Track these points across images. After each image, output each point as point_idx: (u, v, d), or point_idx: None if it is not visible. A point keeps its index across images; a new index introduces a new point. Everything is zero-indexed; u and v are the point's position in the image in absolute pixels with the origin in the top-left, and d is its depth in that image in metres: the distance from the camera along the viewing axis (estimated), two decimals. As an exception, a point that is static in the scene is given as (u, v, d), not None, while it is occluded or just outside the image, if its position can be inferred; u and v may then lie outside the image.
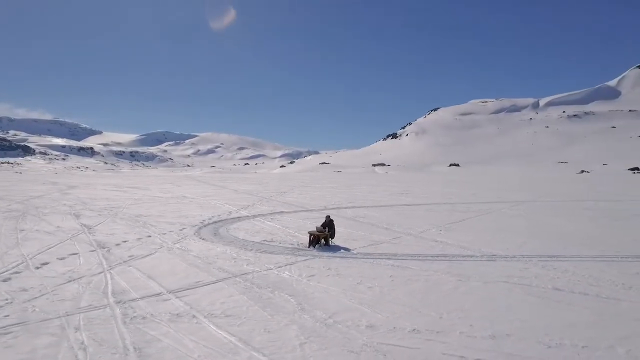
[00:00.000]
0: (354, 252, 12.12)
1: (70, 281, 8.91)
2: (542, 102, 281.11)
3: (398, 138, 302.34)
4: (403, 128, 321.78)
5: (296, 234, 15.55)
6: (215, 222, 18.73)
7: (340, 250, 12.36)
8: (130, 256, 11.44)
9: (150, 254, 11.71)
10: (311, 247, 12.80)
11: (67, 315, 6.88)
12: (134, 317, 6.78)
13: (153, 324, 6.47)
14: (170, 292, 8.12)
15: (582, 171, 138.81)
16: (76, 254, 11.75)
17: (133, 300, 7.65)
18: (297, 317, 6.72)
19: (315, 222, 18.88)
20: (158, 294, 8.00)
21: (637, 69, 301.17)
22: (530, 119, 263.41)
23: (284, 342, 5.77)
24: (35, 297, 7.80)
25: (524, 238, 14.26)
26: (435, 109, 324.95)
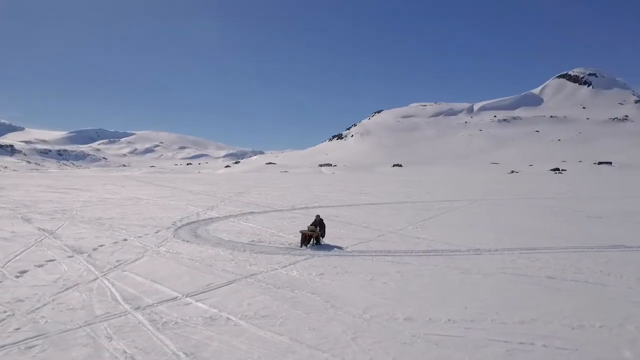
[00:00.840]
0: (348, 250, 12.36)
1: (67, 289, 8.26)
2: (476, 106, 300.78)
3: (343, 139, 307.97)
4: (348, 129, 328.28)
5: (280, 233, 15.49)
6: (188, 223, 18.10)
7: (333, 249, 12.54)
8: (118, 261, 10.79)
9: (139, 258, 11.12)
10: (303, 246, 12.85)
11: (89, 324, 6.41)
12: (165, 322, 6.48)
13: (189, 329, 6.24)
14: (187, 296, 7.83)
15: (512, 171, 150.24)
16: (53, 260, 10.87)
17: (151, 305, 7.29)
18: (333, 314, 6.82)
19: (290, 222, 18.93)
20: (175, 299, 7.68)
21: (557, 79, 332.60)
22: (466, 122, 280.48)
23: (335, 338, 5.86)
24: (38, 308, 7.16)
25: (495, 233, 15.33)
26: (378, 111, 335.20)
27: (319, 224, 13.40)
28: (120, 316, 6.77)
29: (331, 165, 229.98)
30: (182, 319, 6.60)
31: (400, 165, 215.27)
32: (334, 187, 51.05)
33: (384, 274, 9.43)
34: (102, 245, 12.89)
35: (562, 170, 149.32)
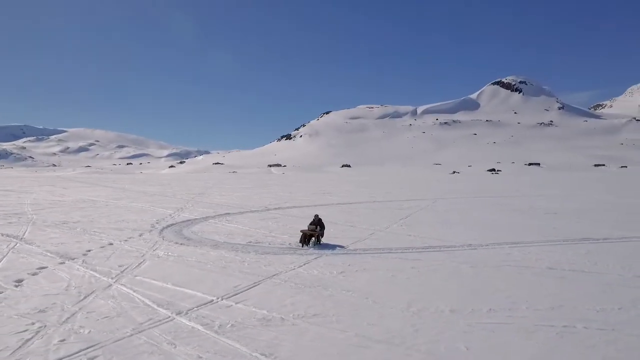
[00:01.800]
0: (351, 249, 12.61)
1: (85, 297, 7.76)
2: (420, 110, 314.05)
3: (292, 139, 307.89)
4: (297, 129, 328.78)
5: (272, 234, 15.40)
6: (167, 225, 17.44)
7: (335, 248, 12.73)
8: (120, 266, 10.23)
9: (141, 263, 10.62)
10: (305, 246, 12.92)
11: (139, 331, 6.12)
12: (220, 325, 6.34)
13: (249, 330, 6.17)
14: (222, 299, 7.67)
15: (454, 172, 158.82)
16: (45, 267, 10.10)
17: (192, 310, 7.07)
18: (381, 310, 7.04)
19: (274, 223, 18.81)
20: (211, 302, 7.49)
21: (492, 85, 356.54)
22: (410, 124, 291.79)
23: (399, 331, 6.09)
24: (68, 317, 6.68)
25: (474, 229, 16.33)
26: (327, 112, 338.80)
27: (317, 223, 13.54)
28: (167, 322, 6.51)
29: (280, 165, 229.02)
30: (235, 321, 6.50)
31: (349, 166, 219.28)
32: (294, 187, 51.07)
33: (400, 270, 9.81)
34: (89, 250, 12.13)
35: (497, 170, 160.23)
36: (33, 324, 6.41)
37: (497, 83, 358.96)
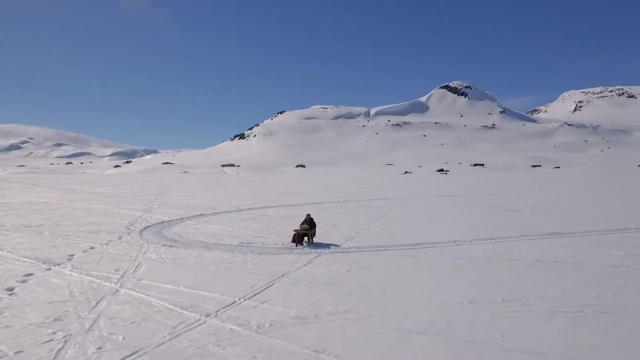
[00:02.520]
0: (345, 247, 12.84)
1: (97, 302, 7.37)
2: (373, 111, 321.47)
3: (246, 139, 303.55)
4: (251, 129, 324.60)
5: (259, 234, 15.28)
6: (144, 228, 16.79)
7: (330, 246, 12.90)
8: (117, 270, 9.79)
9: (138, 266, 10.21)
10: (299, 245, 12.98)
11: (176, 335, 5.95)
12: (259, 325, 6.31)
13: (290, 329, 6.21)
14: (244, 299, 7.61)
15: (406, 172, 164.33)
16: (32, 274, 9.45)
17: (219, 311, 6.97)
18: (405, 305, 7.32)
19: (255, 223, 18.62)
20: (234, 303, 7.41)
21: (440, 89, 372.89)
22: (364, 126, 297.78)
23: (432, 323, 6.40)
24: (91, 325, 6.35)
25: (451, 226, 17.16)
26: (281, 112, 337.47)
27: (309, 222, 13.64)
28: (200, 324, 6.38)
29: (234, 165, 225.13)
30: (271, 321, 6.49)
31: (304, 166, 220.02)
32: (256, 188, 50.55)
33: (403, 266, 10.18)
34: (73, 255, 11.46)
35: (446, 171, 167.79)
36: (55, 333, 6.03)
37: (445, 87, 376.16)
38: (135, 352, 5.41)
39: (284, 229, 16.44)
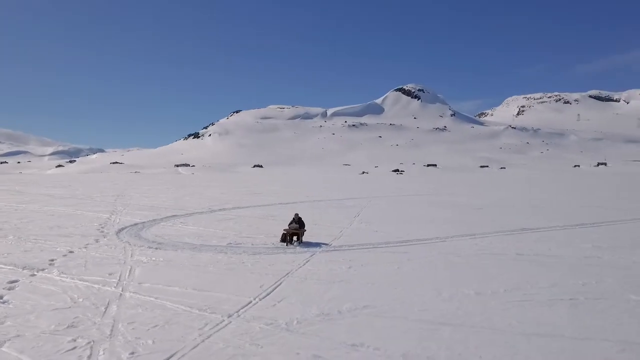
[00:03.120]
0: (336, 245, 13.02)
1: (105, 308, 7.06)
2: (329, 112, 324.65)
3: (200, 138, 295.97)
4: (205, 128, 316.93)
5: (243, 235, 15.10)
6: (119, 230, 16.12)
7: (320, 245, 13.02)
8: (110, 274, 9.38)
9: (132, 269, 9.85)
10: (288, 245, 13.01)
11: (208, 337, 5.84)
12: (287, 323, 6.34)
13: (319, 325, 6.29)
14: (259, 299, 7.58)
15: (363, 172, 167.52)
16: (17, 280, 8.88)
17: (239, 311, 6.91)
18: (418, 297, 7.62)
19: (235, 223, 18.35)
20: (251, 303, 7.36)
21: (395, 92, 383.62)
22: (321, 126, 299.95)
23: (452, 314, 6.74)
24: (112, 331, 6.10)
25: (431, 224, 17.86)
26: (237, 111, 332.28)
27: (298, 222, 13.70)
28: (227, 325, 6.31)
29: (189, 165, 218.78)
30: (297, 318, 6.55)
31: (261, 166, 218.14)
32: (219, 188, 49.58)
33: (399, 262, 10.54)
34: (53, 260, 10.84)
35: (401, 171, 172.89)
36: (75, 340, 5.72)
37: (399, 90, 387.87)
38: (173, 354, 5.27)
39: (268, 229, 16.37)
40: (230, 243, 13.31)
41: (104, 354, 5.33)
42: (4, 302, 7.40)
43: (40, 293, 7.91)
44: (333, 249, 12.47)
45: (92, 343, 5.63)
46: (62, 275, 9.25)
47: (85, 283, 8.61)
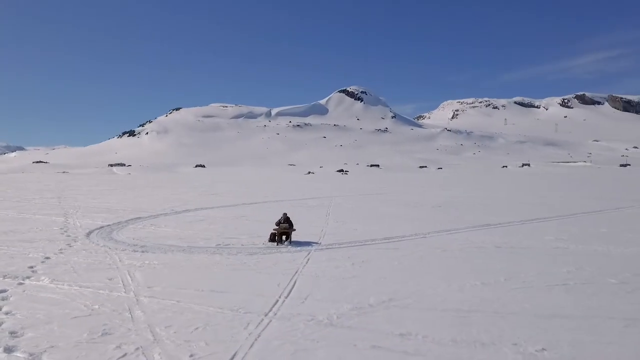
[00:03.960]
0: (325, 244, 13.24)
1: (129, 313, 6.75)
2: (274, 111, 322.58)
3: (136, 136, 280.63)
4: (142, 126, 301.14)
5: (226, 236, 14.84)
6: (87, 233, 15.23)
7: (310, 244, 13.19)
8: (110, 279, 8.95)
9: (131, 273, 9.43)
10: (279, 244, 13.05)
11: (257, 336, 5.85)
12: (328, 317, 6.50)
13: (359, 318, 6.53)
14: (284, 297, 7.65)
15: (309, 172, 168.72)
16: (4, 290, 8.19)
17: (273, 310, 6.95)
18: (434, 290, 8.13)
19: (206, 225, 17.95)
20: (277, 302, 7.42)
21: (338, 93, 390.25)
22: (265, 125, 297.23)
23: (473, 302, 7.29)
24: (155, 338, 5.87)
25: (405, 222, 18.66)
26: (177, 109, 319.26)
27: (287, 221, 13.77)
28: (270, 323, 6.36)
29: (124, 165, 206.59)
30: (335, 313, 6.74)
31: (203, 166, 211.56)
32: (167, 189, 47.63)
33: (396, 258, 11.05)
34: (33, 266, 10.12)
35: (346, 171, 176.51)
36: (119, 347, 5.47)
37: (343, 91, 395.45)
38: (235, 354, 5.25)
39: (247, 230, 16.22)
40: (219, 244, 13.06)
41: (161, 358, 5.17)
42: (8, 314, 6.80)
43: (44, 302, 7.35)
44: (325, 247, 12.71)
45: (141, 348, 5.43)
46: (56, 282, 8.62)
47: (88, 289, 8.11)
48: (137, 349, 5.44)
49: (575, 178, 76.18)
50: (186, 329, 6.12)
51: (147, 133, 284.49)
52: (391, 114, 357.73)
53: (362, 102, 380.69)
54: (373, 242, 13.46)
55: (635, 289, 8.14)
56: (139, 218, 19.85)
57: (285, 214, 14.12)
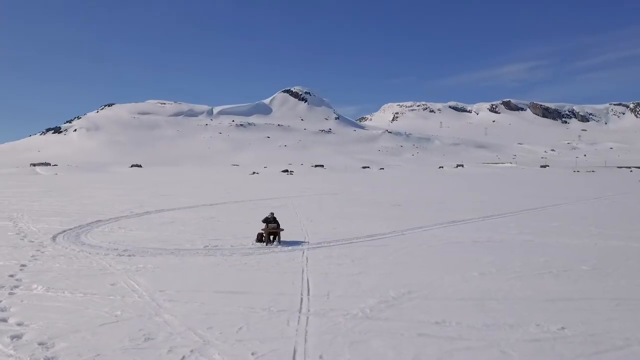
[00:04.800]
0: (313, 243, 13.41)
1: (157, 317, 6.54)
2: (216, 110, 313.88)
3: (63, 133, 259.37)
4: (69, 122, 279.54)
5: (211, 238, 14.51)
6: (52, 237, 14.24)
7: (299, 243, 13.33)
8: (112, 284, 8.50)
9: (134, 278, 9.02)
10: (268, 244, 13.06)
11: (306, 332, 5.97)
12: (362, 310, 6.76)
13: (392, 310, 6.87)
14: (308, 296, 7.79)
15: (254, 172, 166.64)
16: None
17: (305, 307, 7.09)
18: (440, 282, 8.70)
19: (179, 227, 17.42)
20: (307, 299, 7.56)
21: (282, 93, 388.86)
22: (206, 124, 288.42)
23: (481, 290, 7.94)
24: (202, 344, 5.77)
25: (377, 221, 19.33)
26: (109, 105, 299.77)
27: (275, 221, 13.78)
28: (309, 319, 6.51)
29: (49, 164, 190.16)
30: (366, 308, 7.03)
31: (140, 166, 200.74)
32: (108, 190, 44.93)
33: (389, 254, 11.57)
34: (13, 275, 9.36)
35: (291, 171, 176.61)
36: (171, 350, 5.33)
37: (287, 91, 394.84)
38: (296, 349, 5.36)
39: (229, 231, 16.01)
40: (207, 246, 12.78)
41: (223, 358, 5.15)
42: (21, 325, 6.29)
43: (55, 311, 6.87)
44: (316, 246, 12.92)
45: (196, 350, 5.34)
46: (54, 290, 8.04)
47: (95, 296, 7.68)
48: (192, 351, 5.35)
49: (506, 178, 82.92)
50: (229, 329, 6.09)
51: (75, 130, 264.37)
52: (335, 115, 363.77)
53: (306, 103, 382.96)
54: (358, 240, 13.90)
55: (607, 274, 9.33)
56: (100, 221, 18.69)
57: (272, 214, 14.12)
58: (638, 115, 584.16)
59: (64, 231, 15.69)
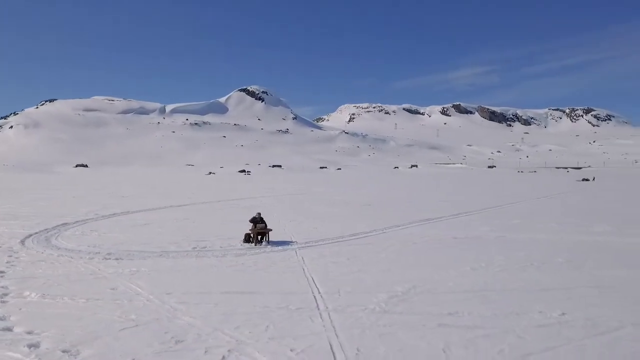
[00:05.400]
0: (300, 242, 13.52)
1: (175, 320, 6.45)
2: (168, 108, 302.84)
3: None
4: (5, 118, 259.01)
5: (196, 239, 14.20)
6: (21, 241, 13.30)
7: (287, 243, 13.41)
8: (113, 289, 8.25)
9: (133, 281, 8.75)
10: (257, 245, 13.03)
11: (333, 327, 6.13)
12: (378, 305, 7.00)
13: (406, 304, 7.18)
14: (321, 293, 7.95)
15: (210, 172, 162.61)
16: (-8, 309, 7.03)
17: (323, 304, 7.25)
18: (439, 276, 9.16)
19: (156, 228, 16.91)
20: (319, 297, 7.70)
21: (239, 92, 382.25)
22: (159, 123, 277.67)
23: (480, 283, 8.47)
24: (234, 346, 5.76)
25: (356, 220, 19.70)
26: (51, 100, 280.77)
27: (260, 220, 13.76)
28: (332, 315, 6.69)
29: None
30: (381, 303, 7.29)
31: (86, 166, 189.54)
32: (59, 191, 42.35)
33: (377, 252, 11.95)
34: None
35: (248, 171, 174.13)
36: (207, 352, 5.30)
37: (243, 90, 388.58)
38: (330, 343, 5.51)
39: (212, 232, 15.79)
40: (195, 248, 12.55)
41: (264, 357, 5.21)
42: (31, 333, 5.96)
43: (63, 318, 6.56)
44: (305, 245, 13.06)
45: (233, 350, 5.35)
46: (51, 297, 7.64)
47: (98, 301, 7.39)
48: (230, 351, 5.36)
49: (459, 178, 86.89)
50: (256, 328, 6.14)
51: (11, 127, 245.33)
52: (292, 115, 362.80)
53: (263, 102, 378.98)
54: (343, 239, 14.19)
55: (580, 265, 10.25)
56: (66, 224, 17.68)
57: (259, 214, 14.09)
58: (573, 120, 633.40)
59: (30, 235, 14.73)
